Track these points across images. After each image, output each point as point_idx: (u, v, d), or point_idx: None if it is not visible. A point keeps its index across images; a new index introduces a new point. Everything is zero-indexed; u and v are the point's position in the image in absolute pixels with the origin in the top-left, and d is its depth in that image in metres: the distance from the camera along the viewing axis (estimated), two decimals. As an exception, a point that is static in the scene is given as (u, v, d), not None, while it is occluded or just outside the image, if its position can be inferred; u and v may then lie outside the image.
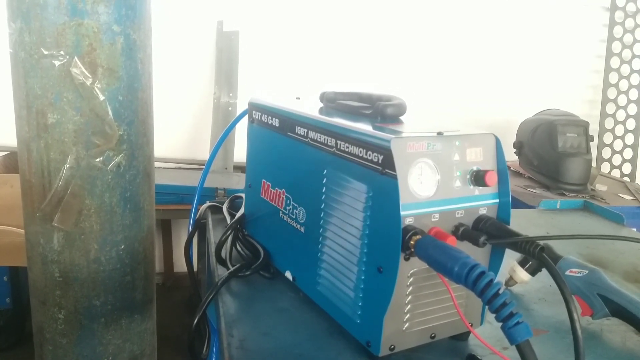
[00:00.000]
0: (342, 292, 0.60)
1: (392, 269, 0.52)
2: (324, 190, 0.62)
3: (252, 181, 0.82)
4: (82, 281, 0.84)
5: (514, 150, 1.99)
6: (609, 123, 2.41)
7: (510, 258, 0.79)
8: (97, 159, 0.80)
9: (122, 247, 0.86)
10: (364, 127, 0.58)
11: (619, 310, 0.65)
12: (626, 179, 2.38)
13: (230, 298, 0.69)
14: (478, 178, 0.56)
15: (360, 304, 0.57)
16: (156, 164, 1.81)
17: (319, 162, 0.63)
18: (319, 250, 0.64)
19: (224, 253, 0.77)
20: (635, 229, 1.13)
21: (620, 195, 1.83)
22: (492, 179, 0.55)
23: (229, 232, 0.77)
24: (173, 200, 1.50)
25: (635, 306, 0.64)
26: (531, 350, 0.43)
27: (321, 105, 0.75)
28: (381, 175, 0.53)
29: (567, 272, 0.71)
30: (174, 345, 0.58)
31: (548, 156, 1.80)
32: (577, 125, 1.79)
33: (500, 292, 0.44)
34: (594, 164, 2.34)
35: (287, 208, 0.71)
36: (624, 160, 2.39)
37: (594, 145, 2.11)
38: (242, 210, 0.86)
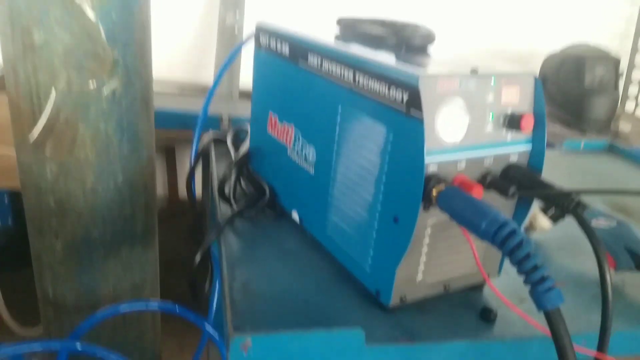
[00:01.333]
0: (353, 239, 0.56)
1: (410, 220, 0.47)
2: (337, 130, 0.56)
3: (258, 113, 0.75)
4: (79, 211, 0.80)
5: (536, 84, 1.89)
6: None
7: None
8: (91, 84, 0.74)
9: (120, 178, 0.81)
10: (388, 59, 0.51)
11: (645, 265, 0.61)
12: (648, 118, 2.29)
13: (233, 238, 0.66)
14: (513, 122, 0.50)
15: (371, 253, 0.53)
16: (156, 89, 1.75)
17: (333, 97, 0.56)
18: (329, 193, 0.59)
19: (227, 190, 0.73)
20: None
21: (643, 136, 1.75)
22: (528, 123, 0.49)
23: (232, 169, 0.72)
24: (175, 126, 1.44)
25: (665, 264, 0.60)
26: (561, 318, 0.39)
27: (338, 32, 0.67)
28: (405, 116, 0.46)
29: (594, 222, 0.66)
30: (179, 271, 0.56)
31: (573, 93, 1.70)
32: (607, 62, 1.68)
33: (532, 253, 0.40)
34: (620, 102, 2.24)
35: (296, 146, 0.65)
36: (648, 99, 2.28)
37: (621, 81, 2.00)
38: (246, 145, 0.80)
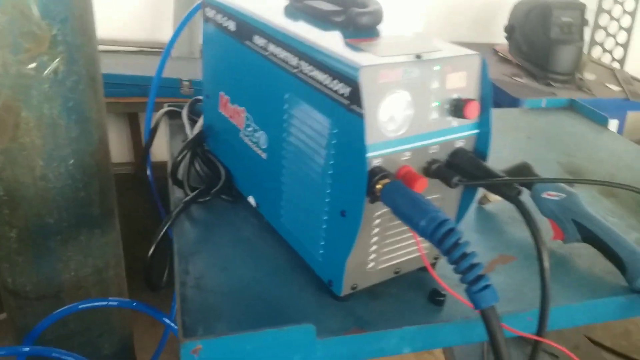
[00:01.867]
0: (305, 229, 0.56)
1: (356, 214, 0.47)
2: (285, 117, 0.55)
3: (210, 91, 0.73)
4: (30, 199, 0.78)
5: (505, 34, 1.86)
6: (607, 3, 2.25)
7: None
8: (29, 65, 0.70)
9: (71, 161, 0.79)
10: (332, 44, 0.49)
11: (590, 237, 0.63)
12: (616, 64, 2.29)
13: (187, 225, 0.65)
14: (458, 109, 0.49)
15: (322, 243, 0.53)
16: (113, 47, 1.68)
17: (280, 83, 0.54)
18: (282, 181, 0.58)
19: (182, 173, 0.71)
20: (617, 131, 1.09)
21: (607, 85, 1.76)
22: (472, 111, 0.49)
23: (185, 151, 0.71)
24: (135, 93, 1.39)
25: (607, 234, 0.61)
26: (496, 316, 0.40)
27: (286, 3, 0.64)
28: (347, 111, 0.45)
29: (544, 195, 0.67)
30: (147, 238, 0.56)
31: (539, 42, 1.69)
32: (574, 9, 1.66)
33: (468, 252, 0.40)
34: (586, 49, 2.23)
35: (248, 130, 0.64)
36: (616, 44, 2.28)
37: (587, 28, 1.99)
38: (201, 122, 0.78)
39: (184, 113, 0.87)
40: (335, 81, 0.46)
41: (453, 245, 0.40)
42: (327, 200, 0.50)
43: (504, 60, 1.91)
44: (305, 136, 0.52)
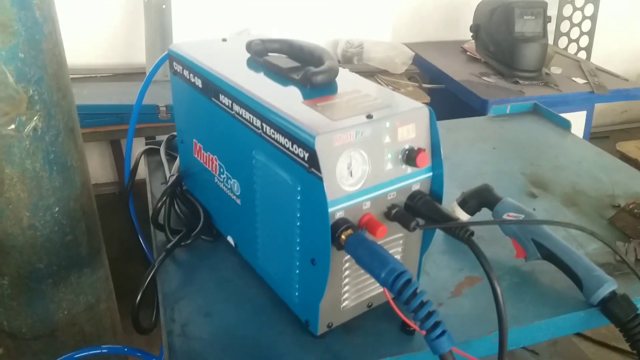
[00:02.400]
0: (281, 272, 0.60)
1: (325, 263, 0.51)
2: (254, 172, 0.59)
3: (184, 137, 0.76)
4: (20, 248, 0.81)
5: (471, 33, 1.90)
6: (569, -7, 2.31)
7: (451, 197, 0.80)
8: (9, 127, 0.73)
9: (57, 209, 0.82)
10: (291, 108, 0.53)
11: (549, 255, 0.67)
12: (582, 53, 2.35)
13: (170, 269, 0.68)
14: (410, 159, 0.54)
15: (297, 286, 0.58)
16: (87, 75, 1.69)
17: (247, 141, 0.58)
18: (256, 227, 0.62)
19: (162, 217, 0.75)
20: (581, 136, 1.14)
21: (574, 79, 1.82)
22: (423, 160, 0.53)
23: (165, 197, 0.74)
24: (114, 121, 1.42)
25: (564, 252, 0.66)
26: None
27: (248, 56, 0.67)
28: (307, 172, 0.49)
29: (505, 216, 0.72)
30: (134, 257, 0.58)
31: (504, 42, 1.74)
32: (535, 7, 1.71)
33: (425, 301, 0.45)
34: (551, 41, 2.29)
35: (222, 176, 0.68)
36: (581, 33, 2.34)
37: (552, 18, 2.03)
38: (177, 166, 0.82)
39: (162, 152, 0.90)
40: (295, 145, 0.50)
41: (411, 295, 0.45)
42: (297, 248, 0.55)
43: (473, 59, 1.96)
44: (274, 190, 0.56)
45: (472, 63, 1.94)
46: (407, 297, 0.44)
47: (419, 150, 0.53)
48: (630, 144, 2.45)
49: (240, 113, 0.58)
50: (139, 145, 0.96)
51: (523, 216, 0.71)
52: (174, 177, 0.77)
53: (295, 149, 0.50)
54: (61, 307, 0.88)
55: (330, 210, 0.50)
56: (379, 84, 1.84)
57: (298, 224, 0.53)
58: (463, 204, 0.78)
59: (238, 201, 0.65)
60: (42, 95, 0.75)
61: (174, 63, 0.72)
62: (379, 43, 1.95)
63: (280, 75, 0.61)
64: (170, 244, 0.68)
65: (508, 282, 0.69)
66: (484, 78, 1.77)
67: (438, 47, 2.13)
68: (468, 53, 2.01)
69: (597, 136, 2.84)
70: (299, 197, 0.52)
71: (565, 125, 1.13)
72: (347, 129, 0.50)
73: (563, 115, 1.16)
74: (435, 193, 0.57)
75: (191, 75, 0.67)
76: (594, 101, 1.75)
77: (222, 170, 0.67)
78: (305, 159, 0.49)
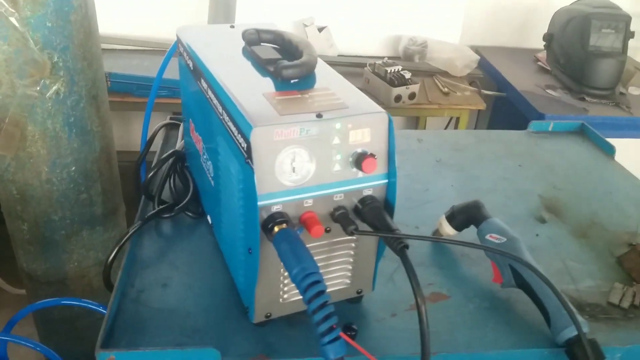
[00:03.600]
0: (233, 256, 0.62)
1: (255, 253, 0.52)
2: (219, 157, 0.60)
3: (186, 115, 0.80)
4: (38, 199, 0.89)
5: (544, 43, 1.79)
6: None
7: (440, 211, 0.77)
8: (33, 88, 0.80)
9: (73, 168, 0.89)
10: (248, 98, 0.54)
11: (523, 284, 0.64)
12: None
13: (148, 239, 0.72)
14: (357, 163, 0.52)
15: (242, 273, 0.59)
16: (133, 47, 1.78)
17: (216, 125, 0.60)
18: (220, 211, 0.64)
19: (155, 187, 0.78)
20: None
21: (652, 101, 1.65)
22: (369, 166, 0.52)
23: (156, 168, 0.78)
24: (164, 94, 1.49)
25: (538, 284, 0.62)
26: (343, 368, 0.44)
27: (243, 45, 0.69)
28: (245, 162, 0.50)
29: (487, 237, 0.69)
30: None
31: (575, 54, 1.61)
32: (616, 20, 1.57)
33: (326, 305, 0.44)
34: (637, 57, 2.09)
35: (204, 157, 0.70)
36: (680, 53, 2.11)
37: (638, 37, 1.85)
38: (180, 141, 0.85)
39: (181, 128, 0.94)
40: (239, 135, 0.51)
41: (315, 295, 0.45)
42: (241, 235, 0.56)
43: (543, 69, 1.84)
44: (229, 176, 0.57)
45: (541, 74, 1.82)
46: (310, 298, 0.44)
47: (367, 155, 0.52)
48: None
49: (212, 98, 0.60)
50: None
51: (505, 239, 0.67)
52: (172, 151, 0.81)
53: (239, 138, 0.51)
54: (72, 258, 0.96)
55: (264, 202, 0.50)
56: (437, 84, 1.78)
57: (241, 211, 0.54)
58: (451, 218, 0.75)
59: (212, 183, 0.67)
60: (66, 63, 0.81)
61: (179, 45, 0.75)
62: (443, 43, 1.89)
63: (260, 66, 0.62)
64: (149, 214, 0.72)
65: (476, 305, 0.66)
66: (549, 91, 1.66)
67: (511, 54, 2.02)
68: (539, 63, 1.89)
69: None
70: (241, 186, 0.53)
71: (609, 150, 1.04)
72: (290, 125, 0.50)
73: (632, 141, 1.06)
74: (387, 201, 0.56)
75: (187, 57, 0.70)
76: (671, 129, 1.58)
77: (204, 151, 0.69)
78: (245, 149, 0.50)
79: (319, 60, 0.62)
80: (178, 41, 0.75)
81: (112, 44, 1.74)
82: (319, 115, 0.51)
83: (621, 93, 1.65)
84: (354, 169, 0.53)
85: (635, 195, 0.92)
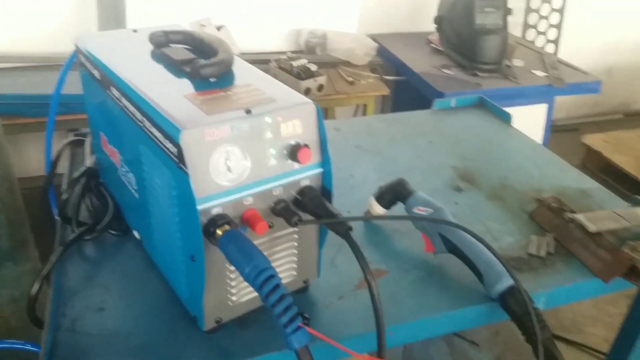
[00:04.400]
0: (172, 267, 0.59)
1: (200, 260, 0.51)
2: (142, 166, 0.58)
3: (93, 128, 0.75)
4: None
5: (435, 25, 1.90)
6: (538, -14, 2.31)
7: (366, 194, 0.80)
8: None
9: (-29, 202, 0.81)
10: (168, 101, 0.52)
11: (454, 249, 0.67)
12: (551, 46, 2.35)
13: (73, 264, 0.67)
14: (293, 155, 0.53)
15: (185, 282, 0.57)
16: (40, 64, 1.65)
17: (134, 134, 0.57)
18: (151, 222, 0.61)
19: (71, 209, 0.73)
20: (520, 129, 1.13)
21: (534, 71, 1.82)
22: (305, 156, 0.52)
23: (70, 189, 0.73)
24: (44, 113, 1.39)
25: (467, 246, 0.66)
26: (309, 355, 0.44)
27: (151, 48, 0.66)
28: (177, 168, 0.48)
29: (415, 210, 0.72)
30: None
31: (465, 34, 1.73)
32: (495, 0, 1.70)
33: (284, 297, 0.44)
34: (519, 33, 2.29)
35: (123, 169, 0.66)
36: (550, 26, 2.33)
37: (520, 12, 2.02)
38: (91, 157, 0.80)
39: (87, 144, 0.88)
40: (166, 140, 0.49)
41: (271, 289, 0.44)
42: (179, 244, 0.54)
43: (437, 51, 1.96)
44: (157, 185, 0.55)
45: (435, 55, 1.93)
46: (267, 293, 0.44)
47: (301, 146, 0.52)
48: (595, 136, 2.47)
49: (127, 106, 0.57)
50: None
51: (432, 210, 0.71)
52: (84, 169, 0.76)
53: (167, 144, 0.49)
54: (-19, 299, 0.87)
55: (203, 206, 0.49)
56: (341, 75, 1.83)
57: (177, 219, 0.52)
58: (380, 198, 0.77)
59: (137, 195, 0.64)
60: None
61: (80, 55, 0.70)
62: (342, 34, 1.93)
63: (175, 68, 0.60)
64: (71, 238, 0.67)
65: (414, 276, 0.69)
66: (444, 70, 1.76)
67: (405, 39, 2.12)
68: (432, 45, 2.00)
69: (566, 129, 2.86)
70: (174, 193, 0.51)
71: (506, 118, 1.13)
72: (220, 124, 0.49)
73: (522, 108, 1.15)
74: (324, 188, 0.57)
75: (92, 66, 0.66)
76: (552, 94, 1.75)
77: (122, 163, 0.66)
78: (175, 154, 0.48)
79: (236, 57, 0.61)
80: (78, 51, 0.70)
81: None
82: (248, 111, 0.50)
83: (507, 66, 1.79)
84: (290, 161, 0.54)
85: (535, 156, 1.01)
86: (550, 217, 0.79)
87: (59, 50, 1.73)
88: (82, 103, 0.78)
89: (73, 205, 0.73)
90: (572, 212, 0.78)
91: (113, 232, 0.72)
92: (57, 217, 0.73)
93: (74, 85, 0.96)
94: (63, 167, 0.87)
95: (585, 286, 0.71)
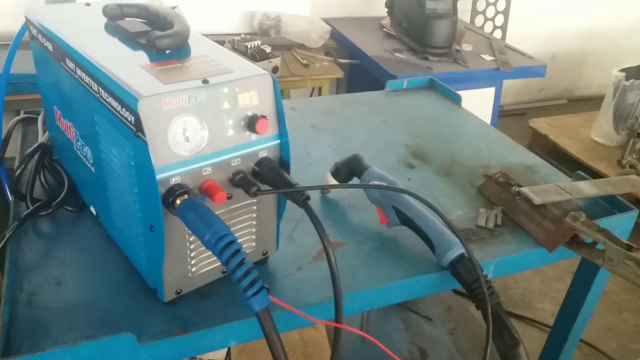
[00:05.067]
0: (131, 239, 0.60)
1: (160, 229, 0.51)
2: (98, 138, 0.57)
3: (47, 104, 0.74)
4: None
5: (386, 9, 1.93)
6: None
7: (323, 170, 0.82)
8: None
9: None
10: (125, 71, 0.52)
11: (407, 221, 0.70)
12: (498, 32, 2.44)
13: (28, 240, 0.66)
14: (251, 125, 0.54)
15: (144, 254, 0.57)
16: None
17: (90, 106, 0.57)
18: (108, 195, 0.61)
19: (25, 185, 0.72)
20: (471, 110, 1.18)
21: (482, 55, 1.88)
22: (263, 127, 0.53)
23: (23, 165, 0.71)
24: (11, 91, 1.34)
25: (420, 218, 0.69)
26: (269, 317, 0.46)
27: (105, 21, 0.65)
28: (135, 137, 0.49)
29: (370, 183, 0.75)
30: None
31: (415, 18, 1.77)
32: (445, -16, 1.75)
33: (244, 261, 0.46)
34: (468, 19, 2.36)
35: (78, 144, 0.66)
36: (497, 12, 2.42)
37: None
38: (43, 134, 0.78)
39: (39, 121, 0.86)
40: (124, 109, 0.49)
41: (231, 255, 0.46)
42: (138, 215, 0.54)
43: (389, 35, 1.99)
44: (115, 156, 0.55)
45: (388, 39, 1.96)
46: (227, 258, 0.45)
47: (259, 117, 0.54)
48: (541, 120, 2.58)
49: (82, 77, 0.56)
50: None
51: (386, 184, 0.74)
52: (37, 144, 0.74)
53: (124, 113, 0.49)
54: None
55: (162, 175, 0.49)
56: (295, 57, 1.83)
57: (135, 190, 0.53)
58: (336, 173, 0.80)
59: (92, 169, 0.63)
60: None
61: (31, 27, 0.68)
62: (296, 17, 1.94)
63: (130, 40, 0.60)
64: (25, 213, 0.66)
65: (369, 247, 0.72)
66: (396, 54, 1.80)
67: (358, 23, 2.15)
68: (385, 29, 2.03)
69: (514, 114, 2.98)
70: (132, 163, 0.51)
71: (456, 99, 1.18)
72: (177, 93, 0.49)
73: (472, 91, 1.20)
74: (282, 160, 0.58)
75: (44, 39, 0.65)
76: (500, 78, 1.82)
77: (77, 137, 0.65)
78: (133, 122, 0.48)
79: (192, 30, 0.62)
80: (28, 23, 0.68)
81: None
82: (205, 81, 0.51)
83: (457, 50, 1.85)
84: (247, 132, 0.55)
85: (483, 134, 1.06)
86: (498, 191, 0.84)
87: (6, 29, 1.66)
88: (32, 83, 0.75)
89: (27, 181, 0.71)
90: (519, 186, 0.82)
91: (69, 208, 0.71)
92: (10, 195, 0.71)
93: (23, 65, 0.94)
94: (14, 150, 0.85)
95: (531, 255, 0.75)
